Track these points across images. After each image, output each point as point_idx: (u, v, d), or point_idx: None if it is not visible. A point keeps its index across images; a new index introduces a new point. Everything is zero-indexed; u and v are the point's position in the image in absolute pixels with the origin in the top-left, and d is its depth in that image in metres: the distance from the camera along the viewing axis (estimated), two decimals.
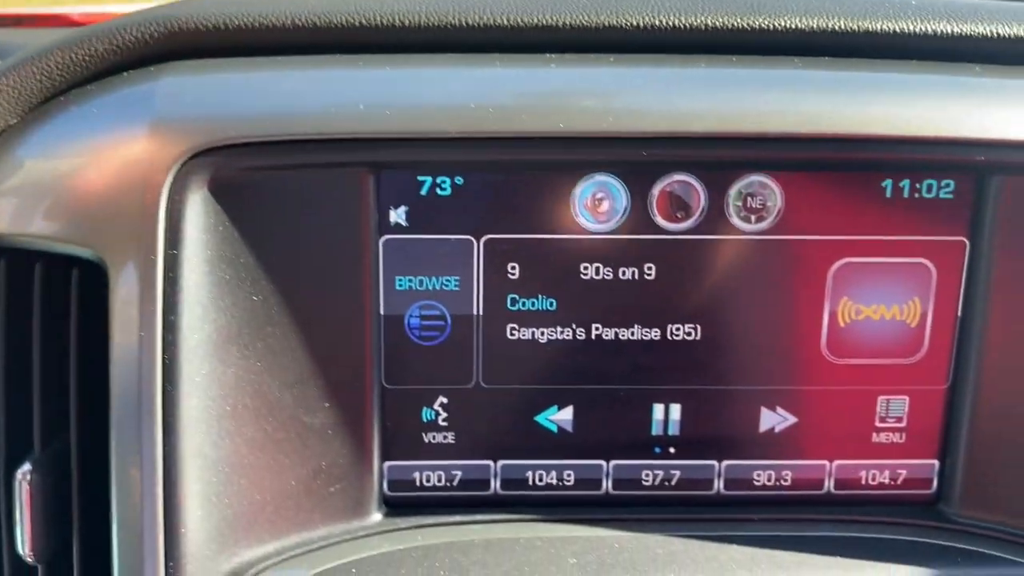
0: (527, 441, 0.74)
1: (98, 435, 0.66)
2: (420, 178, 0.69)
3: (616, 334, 0.73)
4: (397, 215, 0.69)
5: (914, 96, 0.67)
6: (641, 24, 0.69)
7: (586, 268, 0.71)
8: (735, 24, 0.69)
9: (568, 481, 0.75)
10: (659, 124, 0.66)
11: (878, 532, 0.75)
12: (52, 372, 0.69)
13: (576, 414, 0.74)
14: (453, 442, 0.74)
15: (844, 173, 0.70)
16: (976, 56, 0.70)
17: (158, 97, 0.66)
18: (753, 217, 0.70)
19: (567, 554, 0.70)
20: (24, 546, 0.67)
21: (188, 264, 0.64)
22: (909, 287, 0.72)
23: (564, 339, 0.73)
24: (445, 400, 0.74)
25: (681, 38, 0.69)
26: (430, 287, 0.71)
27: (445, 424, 0.74)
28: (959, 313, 0.73)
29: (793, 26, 0.69)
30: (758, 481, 0.76)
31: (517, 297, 0.72)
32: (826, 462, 0.76)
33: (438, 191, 0.69)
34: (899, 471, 0.76)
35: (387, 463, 0.74)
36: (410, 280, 0.71)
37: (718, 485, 0.76)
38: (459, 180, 0.69)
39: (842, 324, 0.73)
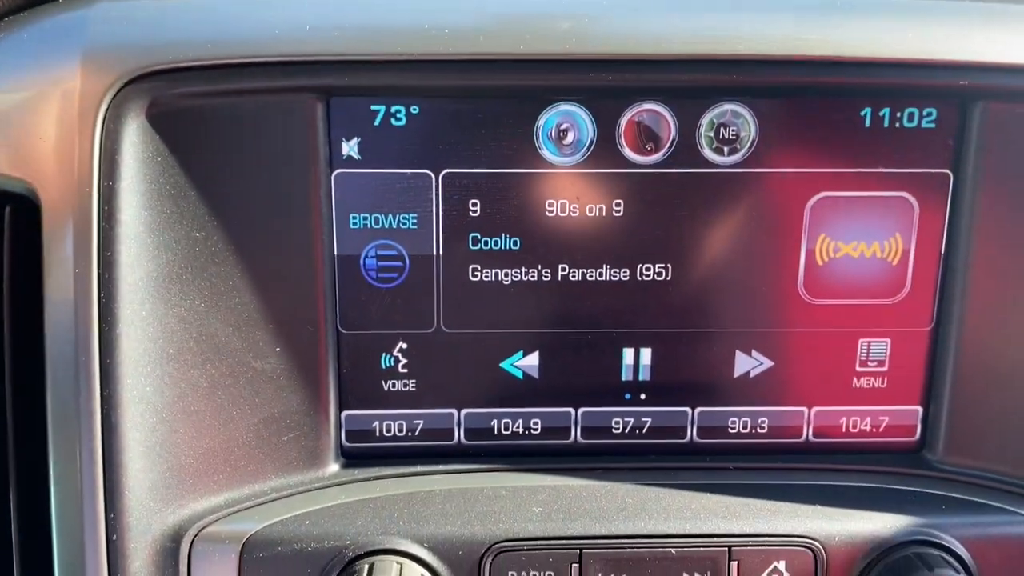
0: (492, 388, 0.71)
1: (33, 380, 0.63)
2: (373, 107, 0.65)
3: (584, 275, 0.69)
4: (349, 147, 0.66)
5: (893, 17, 0.64)
6: None
7: (551, 205, 0.68)
8: None
9: (535, 430, 0.72)
10: (626, 46, 0.62)
11: (859, 480, 0.72)
12: None
13: (543, 359, 0.71)
14: (414, 390, 0.71)
15: (821, 101, 0.66)
16: None
17: (91, 22, 0.62)
18: (726, 149, 0.67)
19: (532, 503, 0.67)
20: None
21: (125, 197, 0.61)
22: (890, 223, 0.69)
23: (529, 280, 0.69)
24: (405, 346, 0.70)
25: None
26: (386, 225, 0.68)
27: (405, 371, 0.71)
28: (943, 250, 0.70)
29: None
30: (733, 429, 0.72)
31: (479, 236, 0.68)
32: (804, 409, 0.73)
33: (392, 121, 0.65)
34: (881, 418, 0.73)
35: (345, 412, 0.71)
36: (365, 218, 0.67)
37: (691, 433, 0.72)
38: (414, 109, 0.65)
39: (820, 263, 0.69)
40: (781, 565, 0.66)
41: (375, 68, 0.62)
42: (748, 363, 0.71)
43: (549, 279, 0.69)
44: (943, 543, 0.67)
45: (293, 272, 0.66)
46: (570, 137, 0.66)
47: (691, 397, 0.72)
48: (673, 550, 0.66)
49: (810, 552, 0.66)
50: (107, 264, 0.60)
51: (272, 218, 0.65)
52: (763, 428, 0.73)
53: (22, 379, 0.64)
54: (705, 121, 0.66)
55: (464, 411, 0.72)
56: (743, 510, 0.68)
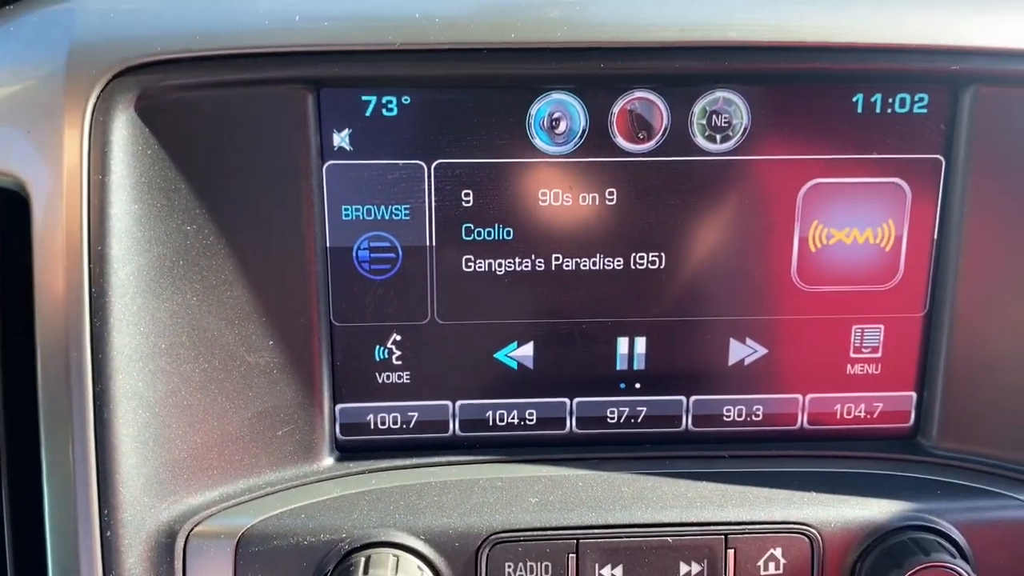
0: (486, 379, 0.71)
1: (25, 376, 0.62)
2: (364, 97, 0.64)
3: (577, 264, 0.69)
4: (340, 139, 0.65)
5: (884, 3, 0.64)
6: None
7: (544, 194, 0.67)
8: None
9: (530, 420, 0.72)
10: (617, 34, 0.62)
11: (854, 467, 0.72)
12: None
13: (537, 350, 0.70)
14: (408, 382, 0.71)
15: (813, 89, 0.66)
16: None
17: (78, 15, 0.62)
18: (719, 137, 0.67)
19: (529, 494, 0.67)
20: None
21: (115, 191, 0.60)
22: (883, 209, 0.69)
23: (523, 270, 0.69)
24: (398, 338, 0.70)
25: None
26: (379, 216, 0.67)
27: (399, 363, 0.70)
28: (935, 236, 0.70)
29: None
30: (728, 417, 0.72)
31: (472, 226, 0.68)
32: (799, 396, 0.73)
33: (384, 112, 0.65)
34: (875, 404, 0.73)
35: (339, 405, 0.70)
36: (357, 209, 0.67)
37: (686, 421, 0.72)
38: (406, 99, 0.65)
39: (813, 249, 0.69)
40: (777, 552, 0.66)
41: (365, 58, 0.61)
42: (742, 351, 0.71)
43: (543, 269, 0.69)
44: (938, 528, 0.67)
45: (285, 265, 0.66)
46: (562, 126, 0.66)
47: (686, 386, 0.72)
48: (670, 539, 0.66)
49: (806, 539, 0.66)
50: (98, 259, 0.60)
51: (264, 211, 0.64)
52: (758, 416, 0.73)
53: (13, 375, 0.64)
54: (697, 109, 0.66)
55: (459, 403, 0.71)
56: (739, 498, 0.68)
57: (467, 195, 0.67)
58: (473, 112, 0.65)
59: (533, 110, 0.66)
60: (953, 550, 0.66)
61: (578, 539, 0.65)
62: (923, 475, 0.71)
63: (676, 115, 0.66)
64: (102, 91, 0.60)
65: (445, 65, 0.62)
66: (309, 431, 0.69)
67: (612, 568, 0.66)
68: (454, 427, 0.72)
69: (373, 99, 0.65)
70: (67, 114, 0.60)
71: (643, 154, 0.67)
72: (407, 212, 0.67)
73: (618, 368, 0.71)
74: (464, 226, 0.68)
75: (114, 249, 0.60)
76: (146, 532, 0.63)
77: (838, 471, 0.71)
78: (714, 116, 0.66)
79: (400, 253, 0.68)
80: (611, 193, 0.68)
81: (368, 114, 0.65)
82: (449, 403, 0.71)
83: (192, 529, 0.64)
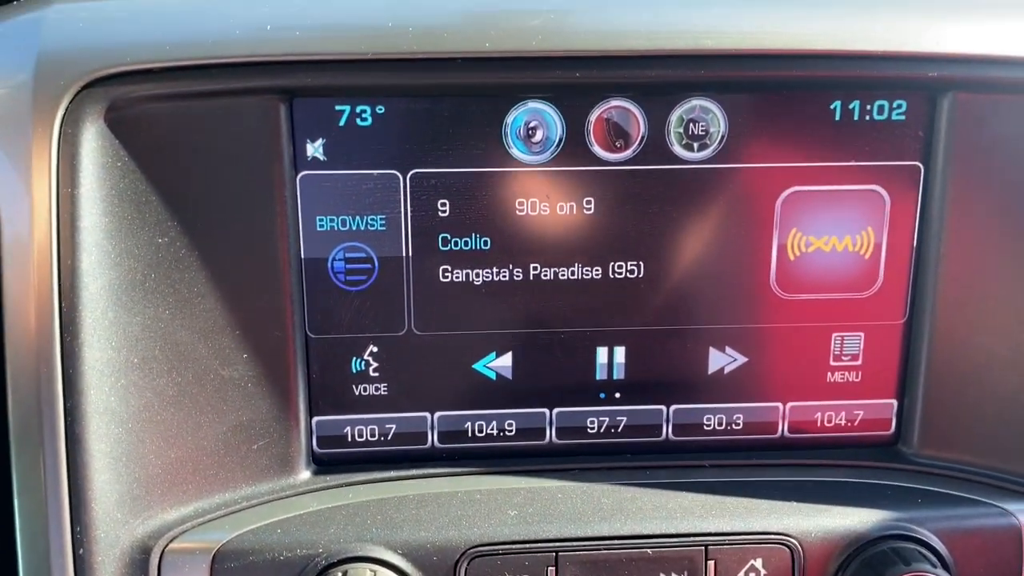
0: (465, 390, 0.70)
1: None
2: (338, 107, 0.64)
3: (555, 274, 0.68)
4: (314, 149, 0.65)
5: (861, 10, 0.64)
6: None
7: (521, 203, 0.67)
8: None
9: (509, 431, 0.71)
10: (593, 43, 0.62)
11: (835, 475, 0.71)
12: None
13: (516, 360, 0.70)
14: (386, 394, 0.70)
15: (790, 96, 0.66)
16: None
17: (46, 24, 0.61)
18: (696, 145, 0.66)
19: (508, 506, 0.66)
20: None
21: (85, 204, 0.59)
22: (862, 216, 0.69)
23: (500, 280, 0.68)
24: (375, 349, 0.69)
25: None
26: (354, 227, 0.66)
27: (376, 375, 0.70)
28: (915, 243, 0.69)
29: None
30: (708, 426, 0.72)
31: (448, 236, 0.67)
32: (779, 404, 0.72)
33: (358, 121, 0.64)
34: (856, 412, 0.73)
35: (315, 418, 0.70)
36: (332, 220, 0.66)
37: (667, 431, 0.72)
38: (380, 109, 0.64)
39: (792, 257, 0.69)
40: (758, 563, 0.66)
41: (338, 68, 0.61)
42: (722, 359, 0.71)
43: (520, 279, 0.68)
44: (919, 537, 0.67)
45: (259, 276, 0.65)
46: (539, 135, 0.66)
47: (666, 395, 0.71)
48: (650, 550, 0.65)
49: (787, 549, 0.66)
50: (68, 272, 0.59)
51: (237, 222, 0.64)
52: (738, 424, 0.72)
53: None
54: (674, 117, 0.66)
55: (437, 414, 0.71)
56: (719, 508, 0.67)
57: (443, 205, 0.66)
58: (449, 121, 0.65)
59: (509, 119, 0.65)
60: (934, 559, 0.66)
61: (557, 552, 0.65)
62: (904, 483, 0.71)
63: (653, 123, 0.66)
64: (71, 102, 0.59)
65: (420, 74, 0.62)
66: (285, 444, 0.68)
67: None
68: (432, 439, 0.71)
69: (347, 109, 0.64)
70: (35, 126, 0.59)
71: (620, 163, 0.66)
72: (383, 222, 0.67)
73: (598, 378, 0.71)
74: (441, 236, 0.67)
75: (84, 262, 0.59)
76: (120, 549, 0.63)
77: (819, 480, 0.71)
78: (691, 124, 0.66)
79: (376, 264, 0.67)
80: (588, 202, 0.67)
81: (342, 124, 0.64)
82: (427, 415, 0.71)
83: (167, 545, 0.64)
